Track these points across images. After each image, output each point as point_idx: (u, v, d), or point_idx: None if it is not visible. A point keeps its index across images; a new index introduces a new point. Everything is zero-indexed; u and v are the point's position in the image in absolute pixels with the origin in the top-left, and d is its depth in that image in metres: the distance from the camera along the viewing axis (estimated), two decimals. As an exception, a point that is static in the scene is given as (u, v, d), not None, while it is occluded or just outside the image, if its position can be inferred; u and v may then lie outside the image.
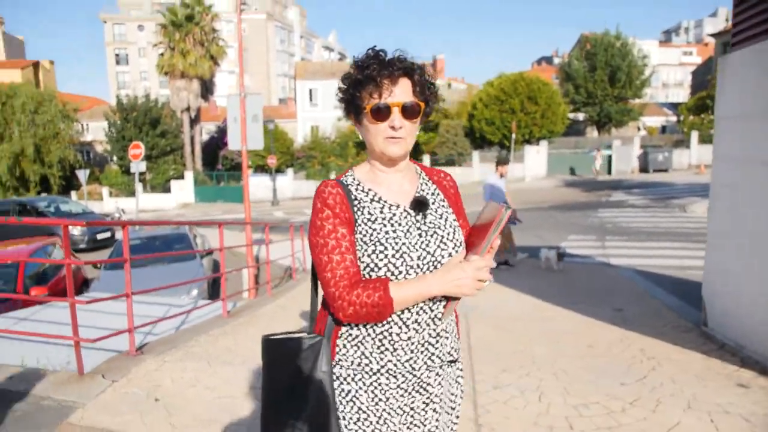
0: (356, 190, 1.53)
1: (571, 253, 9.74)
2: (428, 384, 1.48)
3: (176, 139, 37.26)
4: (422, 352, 1.46)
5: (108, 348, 4.51)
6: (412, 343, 1.45)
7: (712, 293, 5.33)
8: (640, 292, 7.11)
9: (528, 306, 6.51)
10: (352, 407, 1.46)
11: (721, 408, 3.45)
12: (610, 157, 33.85)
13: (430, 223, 1.51)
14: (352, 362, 1.47)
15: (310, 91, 45.74)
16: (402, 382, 1.46)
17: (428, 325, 1.46)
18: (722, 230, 5.16)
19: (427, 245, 1.46)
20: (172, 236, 11.24)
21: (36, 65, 54.85)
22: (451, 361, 1.56)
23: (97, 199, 33.61)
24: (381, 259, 1.41)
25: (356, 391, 1.46)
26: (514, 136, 32.99)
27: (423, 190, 1.58)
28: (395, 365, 1.44)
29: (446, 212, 1.56)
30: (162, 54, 34.86)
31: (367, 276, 1.44)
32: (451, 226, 1.52)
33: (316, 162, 37.55)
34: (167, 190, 34.93)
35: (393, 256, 1.42)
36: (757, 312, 4.43)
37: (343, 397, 1.47)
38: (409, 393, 1.47)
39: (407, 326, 1.44)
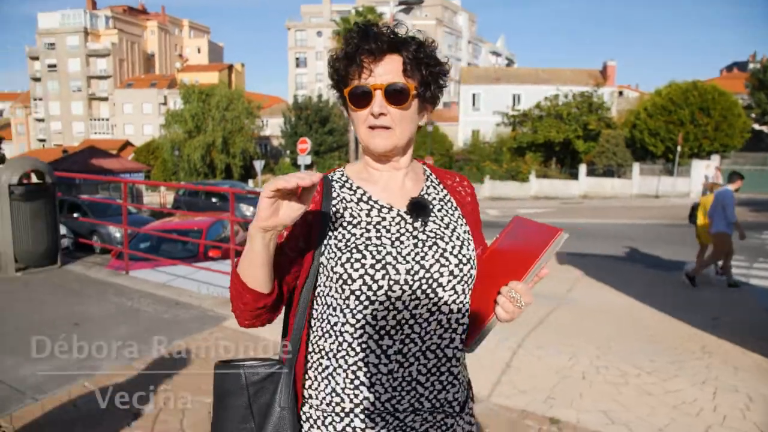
0: (342, 187, 1.28)
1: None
2: (414, 430, 1.21)
3: (342, 137, 40.45)
4: (408, 392, 1.18)
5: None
6: (395, 379, 1.17)
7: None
8: (756, 310, 7.04)
9: (624, 303, 6.93)
10: None
11: (733, 388, 3.93)
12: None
13: (431, 231, 1.23)
14: (322, 401, 1.21)
15: (473, 95, 46.59)
16: (382, 428, 1.19)
17: (417, 359, 1.18)
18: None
19: (423, 258, 1.19)
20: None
21: (230, 68, 62.40)
22: (447, 412, 1.24)
23: (269, 187, 37.73)
24: (356, 269, 1.15)
25: None
26: (679, 149, 31.10)
27: (429, 194, 1.32)
28: (373, 404, 1.18)
29: (454, 222, 1.29)
30: (335, 59, 38.12)
31: (340, 290, 1.17)
32: (458, 239, 1.24)
33: (473, 165, 38.36)
34: (330, 183, 37.97)
35: (372, 266, 1.15)
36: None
37: None
38: None
39: (388, 357, 1.16)
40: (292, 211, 1.06)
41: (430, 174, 1.38)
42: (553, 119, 35.80)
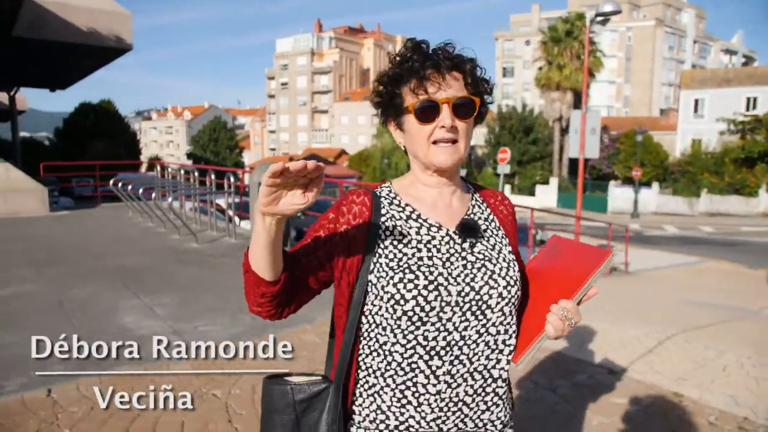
0: (390, 204, 1.29)
1: None
2: None
3: (546, 147, 40.11)
4: (454, 412, 1.22)
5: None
6: (442, 400, 1.20)
7: None
8: None
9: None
10: None
11: None
12: None
13: (479, 253, 1.26)
14: (365, 417, 1.24)
15: (696, 101, 42.55)
16: None
17: (465, 380, 1.21)
18: None
19: (473, 279, 1.22)
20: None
21: (438, 79, 65.27)
22: (490, 431, 1.27)
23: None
24: (410, 290, 1.18)
25: None
26: None
27: (475, 213, 1.33)
28: (418, 423, 1.21)
29: (500, 243, 1.31)
30: (540, 68, 38.07)
31: (391, 310, 1.19)
32: (504, 260, 1.27)
33: (689, 178, 35.23)
34: (532, 193, 37.96)
35: (425, 287, 1.18)
36: None
37: None
38: None
39: (437, 378, 1.19)
40: (292, 203, 1.03)
41: (474, 192, 1.39)
42: (797, 124, 31.37)
